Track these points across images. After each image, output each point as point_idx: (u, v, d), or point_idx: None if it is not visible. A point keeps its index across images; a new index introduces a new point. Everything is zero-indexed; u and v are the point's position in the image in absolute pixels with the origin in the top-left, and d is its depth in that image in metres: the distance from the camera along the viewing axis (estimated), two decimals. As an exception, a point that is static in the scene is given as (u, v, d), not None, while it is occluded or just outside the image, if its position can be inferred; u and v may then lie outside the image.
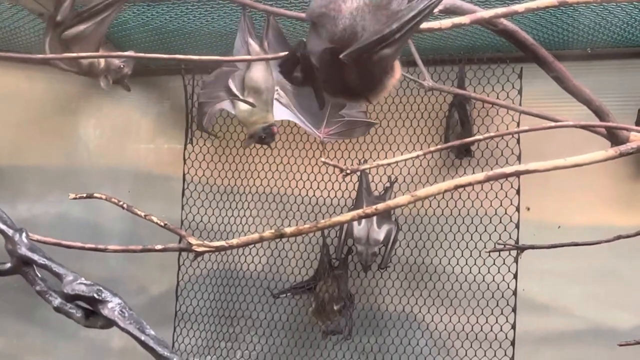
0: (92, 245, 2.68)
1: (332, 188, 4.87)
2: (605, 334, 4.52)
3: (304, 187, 4.90)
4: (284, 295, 4.79)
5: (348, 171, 2.73)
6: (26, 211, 5.22)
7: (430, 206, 4.70)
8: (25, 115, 5.33)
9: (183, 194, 5.03)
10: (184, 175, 5.06)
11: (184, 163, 5.05)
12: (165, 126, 5.24)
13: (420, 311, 4.72)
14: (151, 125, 5.28)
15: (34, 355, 5.26)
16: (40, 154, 5.31)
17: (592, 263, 4.58)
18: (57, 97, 5.33)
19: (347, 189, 4.82)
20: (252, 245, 4.95)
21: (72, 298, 2.09)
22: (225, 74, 4.09)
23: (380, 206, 2.57)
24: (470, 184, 2.51)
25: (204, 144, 5.06)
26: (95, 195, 2.82)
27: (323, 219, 4.76)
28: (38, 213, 5.25)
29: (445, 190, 2.51)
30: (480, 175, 2.49)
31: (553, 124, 2.78)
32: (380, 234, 4.48)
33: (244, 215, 4.98)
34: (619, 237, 3.20)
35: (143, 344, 2.01)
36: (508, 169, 2.59)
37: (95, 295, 2.05)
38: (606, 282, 4.55)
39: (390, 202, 2.60)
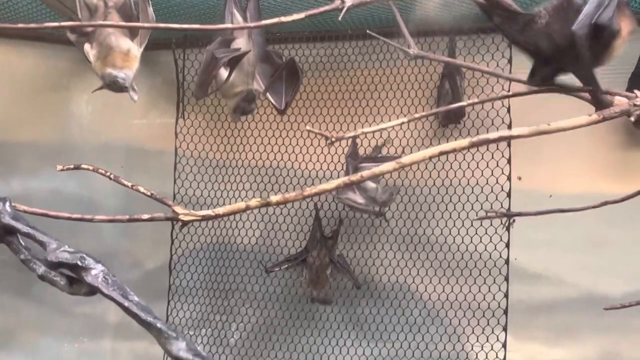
0: (79, 216, 2.69)
1: (325, 161, 4.87)
2: (597, 302, 4.53)
3: (296, 160, 4.91)
4: (277, 268, 4.81)
5: (333, 139, 2.74)
6: (19, 186, 5.22)
7: (422, 176, 4.71)
8: (17, 91, 5.33)
9: (175, 168, 5.05)
10: (175, 149, 5.07)
11: (176, 137, 5.06)
12: (157, 101, 5.24)
13: (413, 281, 4.73)
14: (143, 100, 5.26)
15: (30, 330, 5.27)
16: (33, 130, 5.31)
17: (583, 232, 4.59)
18: (49, 73, 5.33)
19: (339, 161, 4.82)
20: (246, 218, 4.97)
21: (55, 266, 2.10)
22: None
23: (366, 174, 2.59)
24: (454, 151, 2.53)
25: (196, 118, 5.07)
26: (83, 166, 2.85)
27: (319, 198, 4.81)
28: (31, 188, 5.25)
29: (430, 157, 2.52)
30: (464, 142, 2.50)
31: (536, 89, 2.78)
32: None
33: (236, 189, 4.99)
34: (605, 203, 3.21)
35: (127, 310, 2.03)
36: (492, 135, 2.61)
37: (79, 263, 2.06)
38: (598, 251, 4.56)
39: (376, 170, 2.61)
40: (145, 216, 2.75)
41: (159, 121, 5.23)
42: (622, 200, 3.11)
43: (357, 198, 4.44)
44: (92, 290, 2.07)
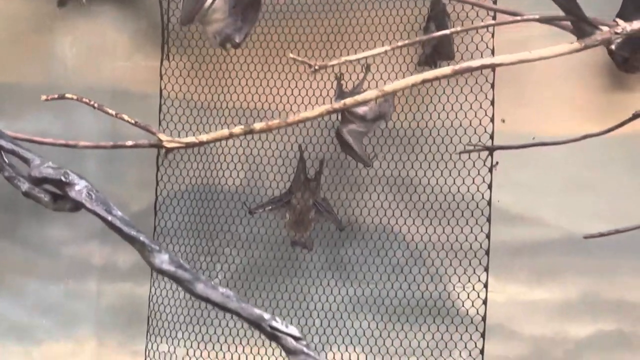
0: (63, 142, 2.71)
1: (310, 103, 4.87)
2: (579, 243, 4.55)
3: (280, 101, 4.91)
4: (261, 210, 4.83)
5: (317, 67, 2.75)
6: (4, 129, 5.21)
7: (405, 119, 4.73)
8: (1, 33, 5.31)
9: (160, 110, 5.04)
10: (160, 91, 5.07)
11: (161, 79, 5.06)
12: (142, 43, 5.22)
13: (396, 222, 4.76)
14: (128, 42, 5.26)
15: (15, 272, 5.29)
16: (17, 73, 5.30)
17: (566, 174, 4.63)
18: (32, 15, 5.31)
19: (324, 103, 4.82)
20: (230, 160, 4.98)
21: (39, 181, 2.12)
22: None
23: (348, 101, 2.62)
24: (437, 78, 2.55)
25: (180, 60, 5.06)
26: (67, 95, 2.86)
27: (303, 140, 4.83)
28: (16, 131, 5.24)
29: (413, 85, 2.55)
30: (447, 69, 2.53)
31: (519, 17, 2.80)
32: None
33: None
34: (586, 137, 3.25)
35: (110, 225, 2.05)
36: (474, 63, 2.63)
37: (62, 178, 2.08)
38: (580, 193, 4.60)
39: (359, 97, 2.64)
40: (130, 143, 2.78)
41: (144, 64, 5.21)
42: (603, 133, 3.15)
43: (360, 127, 4.47)
44: (76, 206, 2.09)
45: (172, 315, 4.97)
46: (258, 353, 4.84)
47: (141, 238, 1.94)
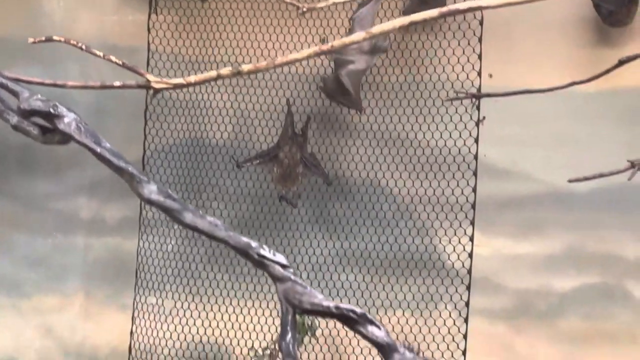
0: (51, 81, 2.71)
1: (302, 63, 4.87)
2: (564, 197, 4.63)
3: (268, 55, 4.91)
4: (249, 163, 4.84)
5: (304, 9, 2.77)
6: (-9, 82, 5.21)
7: (393, 72, 4.74)
8: (-12, -11, 5.31)
9: (148, 64, 5.04)
10: (148, 45, 5.06)
11: (148, 33, 5.05)
12: (130, -3, 5.22)
13: (384, 176, 4.79)
14: (116, -4, 5.25)
15: (3, 226, 5.30)
16: (4, 27, 5.28)
17: (552, 128, 4.67)
18: (19, -31, 5.30)
19: (322, 64, 4.84)
20: (218, 113, 4.98)
21: (29, 114, 2.13)
22: None
23: (336, 43, 2.62)
24: (424, 21, 2.56)
25: (168, 14, 5.05)
26: (55, 38, 2.86)
27: (291, 94, 4.84)
28: (4, 84, 5.23)
29: (400, 26, 2.56)
30: (434, 12, 2.54)
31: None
32: None
33: (208, 84, 4.99)
34: (571, 84, 3.27)
35: (99, 156, 2.06)
36: (461, 5, 2.63)
37: (51, 110, 2.10)
38: (565, 147, 4.64)
39: (346, 39, 2.65)
40: (117, 83, 2.78)
41: (131, 18, 5.20)
42: (589, 81, 3.16)
43: (358, 64, 4.47)
44: (65, 139, 2.10)
45: (160, 269, 4.99)
46: (245, 305, 4.87)
47: (130, 169, 1.96)
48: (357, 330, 1.80)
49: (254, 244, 1.87)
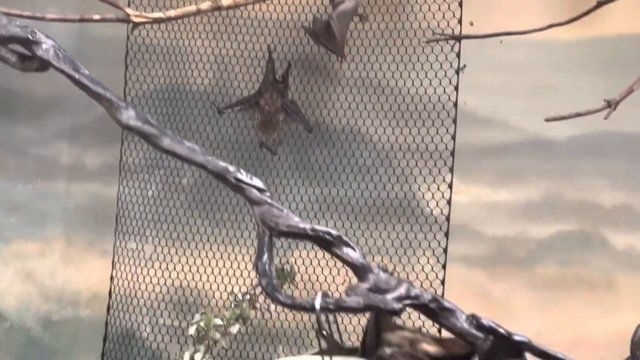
0: (30, 14, 2.71)
1: (282, 10, 4.87)
2: (543, 145, 4.66)
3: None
4: (229, 110, 4.85)
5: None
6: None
7: (374, 20, 4.74)
8: None
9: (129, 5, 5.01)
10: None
11: (128, -25, 5.02)
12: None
13: (364, 124, 4.80)
14: None
15: (-17, 171, 5.31)
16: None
17: (532, 77, 4.69)
18: None
19: (297, 11, 4.83)
20: (199, 59, 4.97)
21: (6, 41, 2.13)
22: None
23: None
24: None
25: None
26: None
27: (272, 40, 4.83)
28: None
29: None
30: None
31: None
32: None
33: (190, 30, 4.96)
34: (551, 26, 3.28)
35: (77, 83, 2.07)
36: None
37: (30, 37, 2.09)
38: (545, 96, 4.65)
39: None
40: (97, 16, 2.78)
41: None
42: (568, 22, 3.18)
43: (349, 3, 4.47)
44: (43, 65, 2.10)
45: (140, 214, 5.00)
46: (225, 251, 4.89)
47: (108, 95, 1.96)
48: (333, 252, 1.82)
49: (231, 168, 1.88)
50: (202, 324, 4.48)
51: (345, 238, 1.81)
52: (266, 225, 1.85)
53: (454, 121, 4.62)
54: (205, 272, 4.91)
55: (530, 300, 4.64)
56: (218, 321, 4.49)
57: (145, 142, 1.97)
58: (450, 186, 4.64)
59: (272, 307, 4.60)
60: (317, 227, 1.82)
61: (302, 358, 2.05)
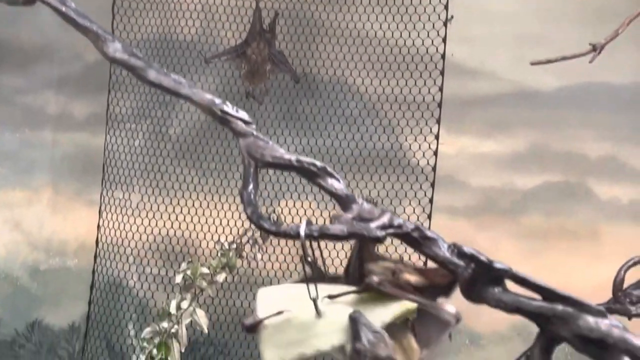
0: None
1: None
2: (530, 96, 4.68)
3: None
4: (217, 59, 4.83)
5: None
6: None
7: (361, -32, 4.75)
8: None
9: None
10: None
11: None
12: None
13: (351, 75, 4.80)
14: None
15: (-30, 118, 5.31)
16: None
17: (519, 28, 4.69)
18: None
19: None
20: (186, 8, 4.95)
21: (-8, -26, 2.12)
22: None
23: None
24: None
25: None
26: None
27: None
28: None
29: None
30: None
31: None
32: None
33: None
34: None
35: (64, 16, 2.07)
36: None
37: (16, -30, 2.09)
38: (533, 47, 4.63)
39: None
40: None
41: None
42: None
43: None
44: (30, -1, 2.10)
45: (127, 163, 5.01)
46: (212, 200, 4.90)
47: (94, 28, 1.96)
48: (317, 183, 1.83)
49: (217, 100, 1.89)
50: (188, 272, 4.48)
51: (329, 169, 1.82)
52: (252, 156, 1.86)
53: (442, 72, 4.62)
54: (192, 221, 4.92)
55: (515, 250, 4.67)
56: (205, 270, 4.50)
57: (131, 74, 1.98)
58: (437, 137, 4.65)
59: (258, 256, 4.61)
60: (302, 157, 1.83)
61: (287, 286, 2.07)
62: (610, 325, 1.57)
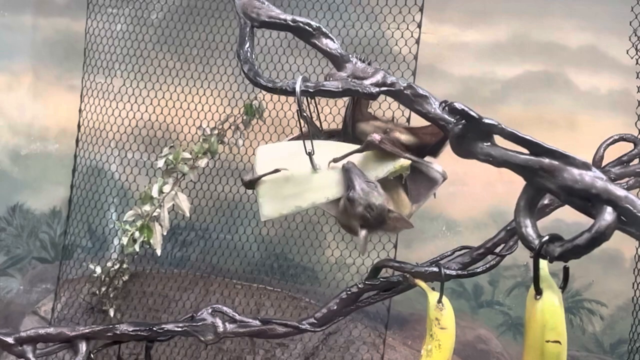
0: None
1: None
2: None
3: None
4: None
5: None
6: None
7: None
8: None
9: None
10: None
11: None
12: None
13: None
14: None
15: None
16: None
17: None
18: None
19: None
20: None
21: None
22: None
23: None
24: None
25: None
26: None
27: None
28: None
29: None
30: None
31: None
32: None
33: None
34: None
35: None
36: None
37: None
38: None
39: None
40: None
41: None
42: None
43: None
44: None
45: (109, 48, 4.98)
46: (194, 86, 4.88)
47: None
48: (312, 43, 1.86)
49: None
50: (170, 157, 4.52)
51: (324, 29, 1.85)
52: (247, 16, 1.89)
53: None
54: (174, 107, 4.91)
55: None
56: (186, 154, 4.54)
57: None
58: (419, 25, 4.62)
59: (240, 142, 4.65)
60: (298, 17, 1.86)
61: (284, 144, 2.10)
62: (594, 176, 1.63)
